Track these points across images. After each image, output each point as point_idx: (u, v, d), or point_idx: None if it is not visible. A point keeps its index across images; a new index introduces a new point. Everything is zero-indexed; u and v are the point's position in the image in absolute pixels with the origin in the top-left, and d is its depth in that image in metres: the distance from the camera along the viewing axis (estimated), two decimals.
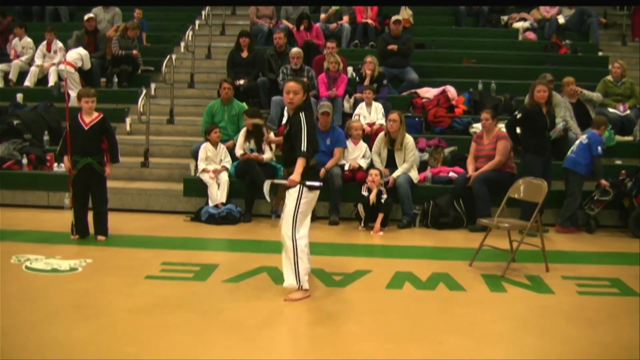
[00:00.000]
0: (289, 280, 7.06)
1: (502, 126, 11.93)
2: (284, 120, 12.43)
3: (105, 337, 5.89)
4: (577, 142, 11.13)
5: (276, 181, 7.34)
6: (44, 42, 15.60)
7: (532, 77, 13.26)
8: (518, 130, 10.98)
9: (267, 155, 11.49)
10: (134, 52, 15.38)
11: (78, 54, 14.68)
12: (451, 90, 13.71)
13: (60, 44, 15.50)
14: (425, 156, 12.17)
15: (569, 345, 6.03)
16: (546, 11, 17.34)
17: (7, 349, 5.56)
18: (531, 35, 16.93)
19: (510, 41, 16.93)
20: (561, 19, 17.16)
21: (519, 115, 10.85)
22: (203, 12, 17.45)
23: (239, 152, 11.55)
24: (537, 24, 17.18)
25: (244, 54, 14.23)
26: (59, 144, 9.65)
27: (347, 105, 13.21)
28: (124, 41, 15.33)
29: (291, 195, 7.00)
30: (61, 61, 14.54)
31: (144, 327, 6.16)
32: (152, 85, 15.31)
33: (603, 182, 10.88)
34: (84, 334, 5.94)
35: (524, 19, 17.40)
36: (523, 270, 8.46)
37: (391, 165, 11.34)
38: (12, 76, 15.61)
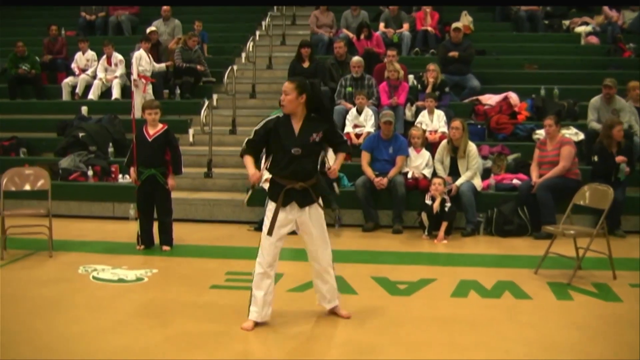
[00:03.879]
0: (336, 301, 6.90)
1: (565, 132, 11.83)
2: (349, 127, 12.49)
3: (171, 346, 5.96)
4: None
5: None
6: (104, 56, 15.90)
7: (596, 82, 13.15)
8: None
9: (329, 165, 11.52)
10: (199, 67, 15.58)
11: (144, 60, 15.02)
12: (513, 97, 13.58)
13: (120, 57, 15.80)
14: (489, 163, 12.06)
15: (637, 354, 5.93)
16: (608, 17, 17.11)
17: (75, 357, 5.66)
18: (594, 40, 16.70)
19: (572, 46, 16.73)
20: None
21: (595, 159, 11.01)
22: (263, 23, 17.52)
23: None
24: (600, 28, 16.96)
25: (305, 64, 14.25)
26: (127, 156, 9.82)
27: (408, 114, 13.16)
28: (186, 53, 15.52)
29: (318, 221, 6.65)
30: (139, 76, 14.76)
31: (210, 336, 6.21)
32: (214, 96, 15.43)
33: None
34: (151, 343, 6.02)
35: (586, 23, 17.18)
36: (590, 277, 8.35)
37: (454, 173, 11.27)
38: (79, 90, 15.93)
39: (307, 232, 6.60)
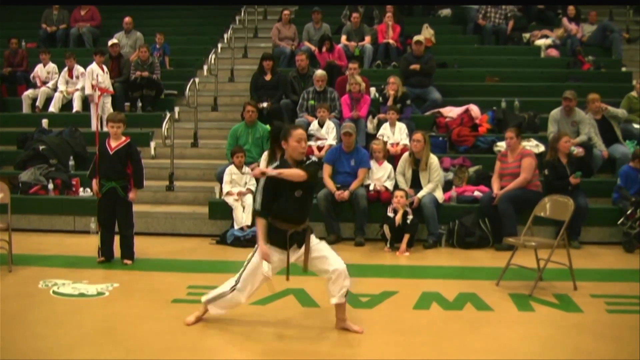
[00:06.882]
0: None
1: (526, 144, 11.92)
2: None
3: None
4: None
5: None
6: (66, 69, 15.77)
7: (556, 94, 13.28)
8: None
9: None
10: (154, 76, 15.53)
11: (97, 73, 14.90)
12: (474, 109, 13.65)
13: (81, 69, 15.60)
14: (450, 175, 12.11)
15: None
16: (568, 30, 17.27)
17: None
18: (554, 52, 16.86)
19: (532, 58, 16.87)
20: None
21: (547, 172, 11.07)
22: (225, 35, 17.54)
23: None
24: (560, 41, 17.12)
25: (268, 77, 14.27)
26: (89, 168, 9.76)
27: (370, 126, 13.19)
28: (140, 66, 15.50)
29: (316, 240, 6.78)
30: (93, 87, 14.59)
31: (172, 350, 6.18)
32: (176, 109, 15.36)
33: None
34: (113, 358, 5.97)
35: (546, 36, 17.34)
36: (551, 289, 8.41)
37: (416, 185, 11.30)
38: (39, 103, 15.78)
39: (314, 249, 6.66)
